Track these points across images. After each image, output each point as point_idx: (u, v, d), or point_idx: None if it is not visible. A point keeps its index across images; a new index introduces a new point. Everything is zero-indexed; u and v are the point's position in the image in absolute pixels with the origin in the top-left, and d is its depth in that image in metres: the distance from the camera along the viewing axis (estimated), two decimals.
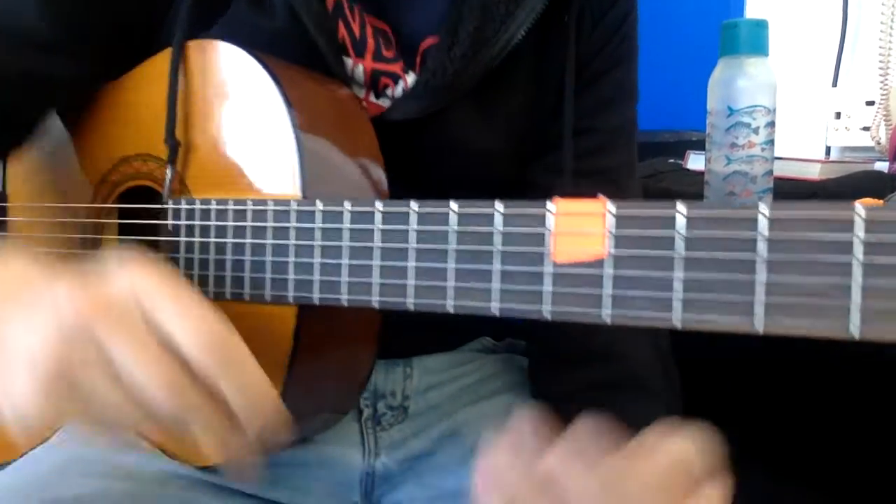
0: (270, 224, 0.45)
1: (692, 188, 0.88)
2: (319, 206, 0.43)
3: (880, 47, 0.90)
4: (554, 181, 0.56)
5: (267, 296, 0.45)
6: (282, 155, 0.47)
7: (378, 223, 0.40)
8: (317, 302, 0.43)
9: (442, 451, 0.57)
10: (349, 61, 0.53)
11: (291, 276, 0.44)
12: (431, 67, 0.52)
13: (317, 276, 0.43)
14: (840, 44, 0.96)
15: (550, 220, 0.33)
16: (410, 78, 0.54)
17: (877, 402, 0.67)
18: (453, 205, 0.37)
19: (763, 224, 0.28)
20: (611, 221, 0.31)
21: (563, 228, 0.33)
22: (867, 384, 0.67)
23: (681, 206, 0.30)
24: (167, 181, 0.50)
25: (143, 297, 0.33)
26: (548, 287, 0.33)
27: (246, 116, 0.49)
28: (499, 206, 0.35)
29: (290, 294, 0.44)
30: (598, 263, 0.32)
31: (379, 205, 0.40)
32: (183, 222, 0.51)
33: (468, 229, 0.36)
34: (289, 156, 0.46)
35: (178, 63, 0.50)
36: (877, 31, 0.91)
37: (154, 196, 0.54)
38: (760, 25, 0.81)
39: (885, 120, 0.89)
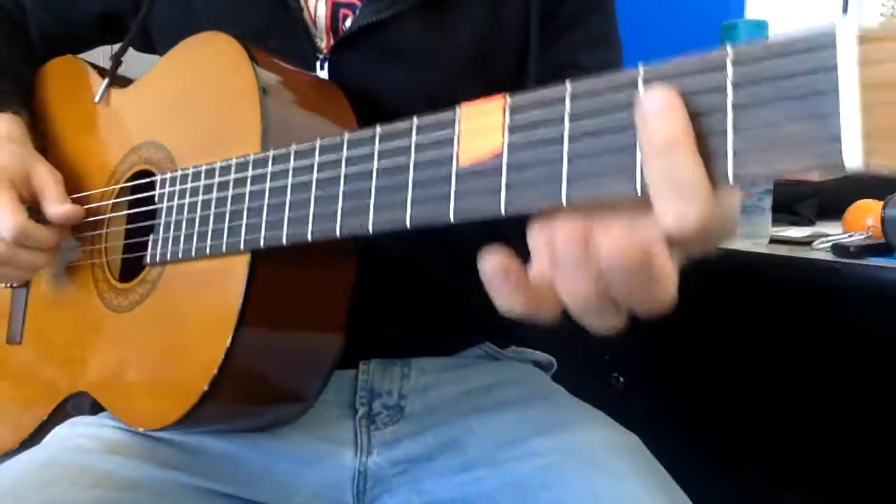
0: (232, 178, 0.47)
1: None
2: (270, 153, 0.45)
3: None
4: None
5: (223, 246, 0.47)
6: (247, 122, 0.49)
7: (315, 158, 0.41)
8: (262, 244, 0.44)
9: (442, 458, 0.56)
10: None
11: (244, 221, 0.45)
12: None
13: (263, 218, 0.44)
14: None
15: (456, 125, 0.34)
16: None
17: (878, 400, 0.63)
18: (378, 127, 0.38)
19: (641, 86, 0.27)
20: (507, 112, 0.32)
21: (467, 129, 0.33)
22: (869, 381, 0.63)
23: (568, 84, 0.30)
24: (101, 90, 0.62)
25: None
26: (452, 189, 0.33)
27: (223, 95, 0.53)
28: (415, 119, 0.36)
29: (242, 238, 0.45)
30: (496, 156, 0.32)
31: (318, 141, 0.41)
32: (166, 189, 0.54)
33: (389, 146, 0.37)
34: (253, 122, 0.49)
35: None
36: None
37: (150, 176, 0.58)
38: (760, 26, 0.80)
39: None
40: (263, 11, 0.57)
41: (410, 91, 0.56)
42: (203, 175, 0.50)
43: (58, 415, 0.62)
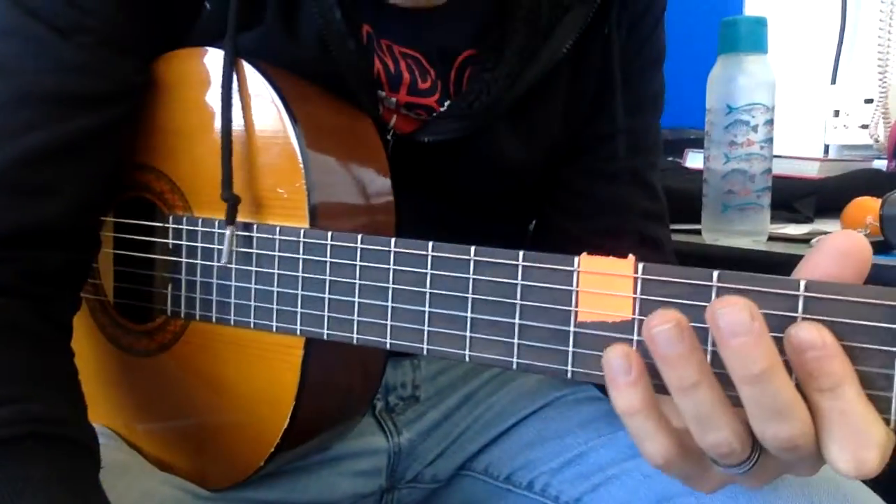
0: (277, 253, 0.44)
1: (691, 185, 0.87)
2: (329, 238, 0.42)
3: (879, 45, 0.90)
4: (591, 185, 0.57)
5: (274, 327, 0.45)
6: (289, 177, 0.45)
7: (392, 264, 0.39)
8: (325, 338, 0.42)
9: (459, 411, 0.60)
10: (382, 94, 0.50)
11: (300, 309, 0.43)
12: (475, 89, 0.50)
13: (326, 312, 0.42)
14: (839, 42, 0.96)
15: (575, 278, 0.32)
16: (446, 107, 0.52)
17: None
18: (471, 251, 0.36)
19: (801, 303, 0.27)
20: (639, 285, 0.31)
21: (588, 287, 0.32)
22: None
23: (714, 275, 0.29)
24: (226, 246, 0.45)
25: None
26: (571, 347, 0.32)
27: (250, 132, 0.48)
28: (520, 257, 0.34)
29: (298, 328, 0.43)
30: (625, 327, 0.31)
31: (393, 244, 0.39)
32: (184, 242, 0.49)
33: (486, 278, 0.35)
34: (296, 179, 0.45)
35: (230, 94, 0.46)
36: (875, 30, 0.91)
37: (150, 208, 0.52)
38: (759, 23, 0.80)
39: (883, 118, 0.89)
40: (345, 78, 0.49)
41: (483, 183, 0.54)
42: (236, 240, 0.46)
43: None
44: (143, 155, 0.53)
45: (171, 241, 0.50)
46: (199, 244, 0.48)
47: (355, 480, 0.58)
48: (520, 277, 0.34)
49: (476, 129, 0.51)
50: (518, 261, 0.34)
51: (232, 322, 0.47)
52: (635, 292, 0.31)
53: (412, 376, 0.59)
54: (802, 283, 0.27)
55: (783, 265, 0.73)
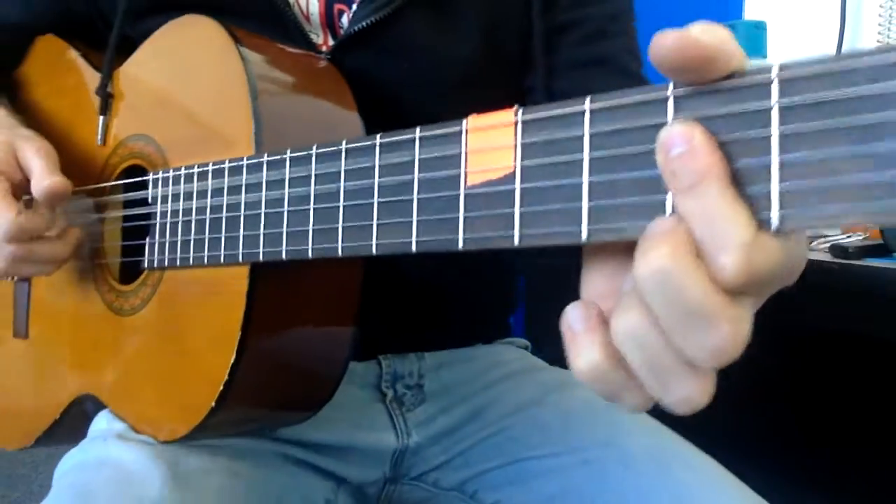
0: (226, 183, 0.44)
1: None
2: (265, 158, 0.41)
3: None
4: (563, 80, 0.56)
5: (221, 257, 0.44)
6: (238, 117, 0.46)
7: (313, 168, 0.38)
8: (261, 258, 0.41)
9: (468, 425, 0.61)
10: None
11: (241, 232, 0.43)
12: None
13: (261, 231, 0.41)
14: (838, 46, 0.93)
15: (463, 139, 0.30)
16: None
17: (874, 400, 0.62)
18: (378, 138, 0.34)
19: (671, 106, 0.24)
20: (518, 130, 0.28)
21: (475, 146, 0.30)
22: (866, 382, 0.63)
23: (586, 100, 0.26)
24: (99, 129, 0.55)
25: None
26: (461, 212, 0.30)
27: (209, 85, 0.50)
28: (418, 131, 0.32)
29: (240, 252, 0.43)
30: (508, 179, 0.28)
31: (314, 148, 0.38)
32: (159, 191, 0.51)
33: (391, 160, 0.33)
34: (244, 117, 0.46)
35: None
36: (874, 34, 0.89)
37: (142, 172, 0.55)
38: (759, 27, 0.81)
39: None
40: (255, 6, 0.53)
41: (421, 85, 0.54)
42: (196, 177, 0.47)
43: (70, 414, 0.61)
44: (137, 126, 0.56)
45: (149, 192, 0.52)
46: (170, 189, 0.50)
47: (362, 469, 0.58)
48: (416, 151, 0.32)
49: (386, 13, 0.51)
50: (415, 134, 0.32)
51: (191, 260, 0.47)
52: (516, 139, 0.28)
53: (417, 366, 0.61)
54: (670, 85, 0.24)
55: None
